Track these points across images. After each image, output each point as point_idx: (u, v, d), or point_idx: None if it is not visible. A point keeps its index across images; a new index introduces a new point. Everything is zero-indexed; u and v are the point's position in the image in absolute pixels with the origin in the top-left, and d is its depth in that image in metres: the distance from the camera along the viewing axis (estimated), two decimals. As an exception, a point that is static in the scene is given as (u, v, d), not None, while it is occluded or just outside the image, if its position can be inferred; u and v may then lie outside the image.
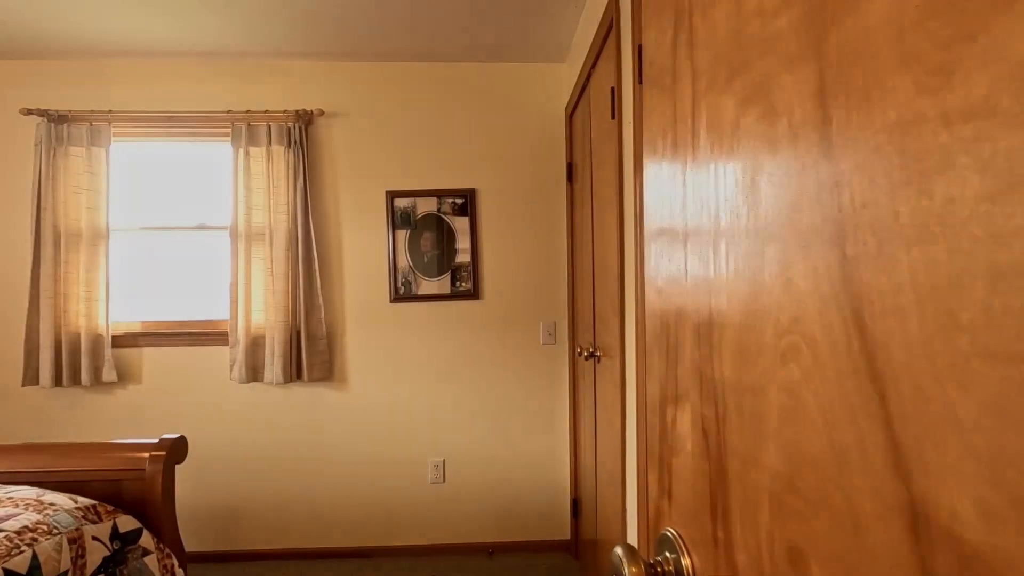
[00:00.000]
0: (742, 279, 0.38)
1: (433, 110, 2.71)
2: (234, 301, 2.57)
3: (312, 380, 2.59)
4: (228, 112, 2.59)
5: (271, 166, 2.57)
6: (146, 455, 1.54)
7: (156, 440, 1.57)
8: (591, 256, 2.18)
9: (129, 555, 1.40)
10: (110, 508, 1.42)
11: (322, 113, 2.66)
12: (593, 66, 2.04)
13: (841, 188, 0.29)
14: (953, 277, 0.23)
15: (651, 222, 0.57)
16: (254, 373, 2.58)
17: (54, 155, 2.51)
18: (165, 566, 1.47)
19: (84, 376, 2.51)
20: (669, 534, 0.51)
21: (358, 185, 2.70)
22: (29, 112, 2.50)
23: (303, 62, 2.67)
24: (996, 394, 0.21)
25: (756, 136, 0.36)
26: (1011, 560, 0.20)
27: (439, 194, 2.70)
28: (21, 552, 1.15)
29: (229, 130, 2.63)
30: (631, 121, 1.52)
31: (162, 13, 2.19)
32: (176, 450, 1.58)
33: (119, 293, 2.66)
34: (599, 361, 2.05)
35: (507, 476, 2.73)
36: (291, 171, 2.58)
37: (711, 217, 0.43)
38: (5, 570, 1.09)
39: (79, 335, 2.53)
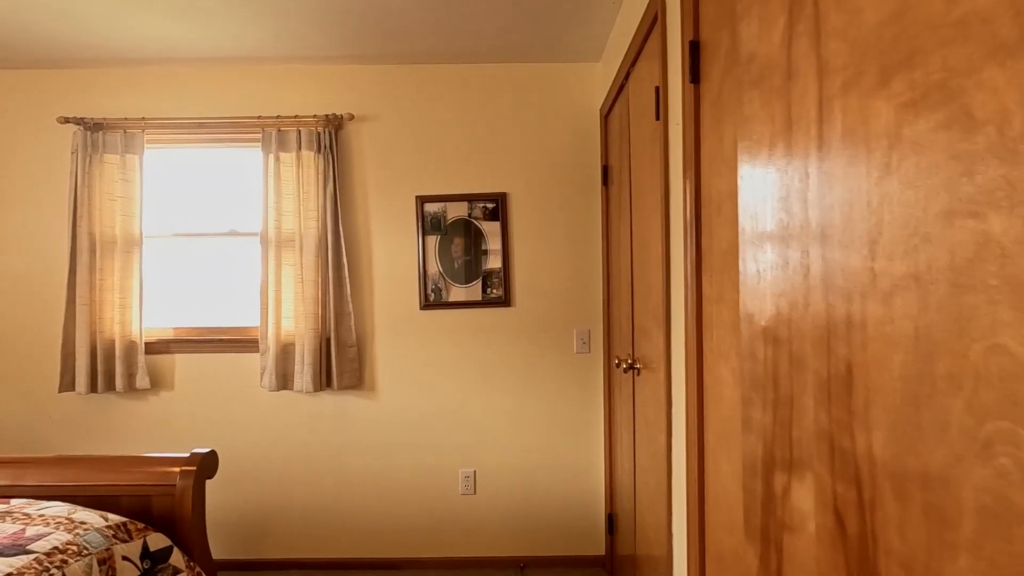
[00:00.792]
0: (915, 334, 0.29)
1: (464, 112, 2.65)
2: (264, 308, 2.55)
3: (342, 388, 2.56)
4: (258, 118, 2.57)
5: (301, 172, 2.55)
6: (177, 470, 1.51)
7: (187, 455, 1.54)
8: (629, 263, 2.08)
9: (159, 574, 1.36)
10: (141, 526, 1.39)
11: (352, 117, 2.62)
12: (632, 65, 1.95)
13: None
14: None
15: (749, 239, 0.49)
16: (284, 381, 2.56)
17: (90, 162, 2.53)
18: (195, 585, 1.43)
19: (118, 382, 2.52)
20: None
21: (388, 190, 2.65)
22: (66, 120, 2.53)
23: (333, 66, 2.63)
24: None
25: (936, 150, 0.28)
26: None
27: (470, 198, 2.64)
28: None
29: (259, 136, 2.61)
30: (679, 122, 1.42)
31: (194, 20, 2.18)
32: (207, 465, 1.55)
33: (152, 299, 2.67)
34: (638, 374, 1.95)
35: (539, 488, 2.65)
36: (321, 176, 2.55)
37: (858, 246, 0.34)
38: (34, 595, 1.06)
39: (113, 341, 2.54)
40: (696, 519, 1.28)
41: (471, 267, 2.64)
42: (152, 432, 2.63)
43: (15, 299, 2.62)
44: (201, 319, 2.70)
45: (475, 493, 2.65)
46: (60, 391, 2.50)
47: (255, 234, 2.68)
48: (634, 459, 2.05)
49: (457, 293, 2.64)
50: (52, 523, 1.26)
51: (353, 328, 2.57)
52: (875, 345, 0.33)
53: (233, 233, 2.72)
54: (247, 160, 2.71)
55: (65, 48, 2.41)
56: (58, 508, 1.33)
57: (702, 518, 1.28)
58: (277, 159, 2.55)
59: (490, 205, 2.64)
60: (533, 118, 2.66)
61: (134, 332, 2.55)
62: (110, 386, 2.54)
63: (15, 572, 1.06)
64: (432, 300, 2.64)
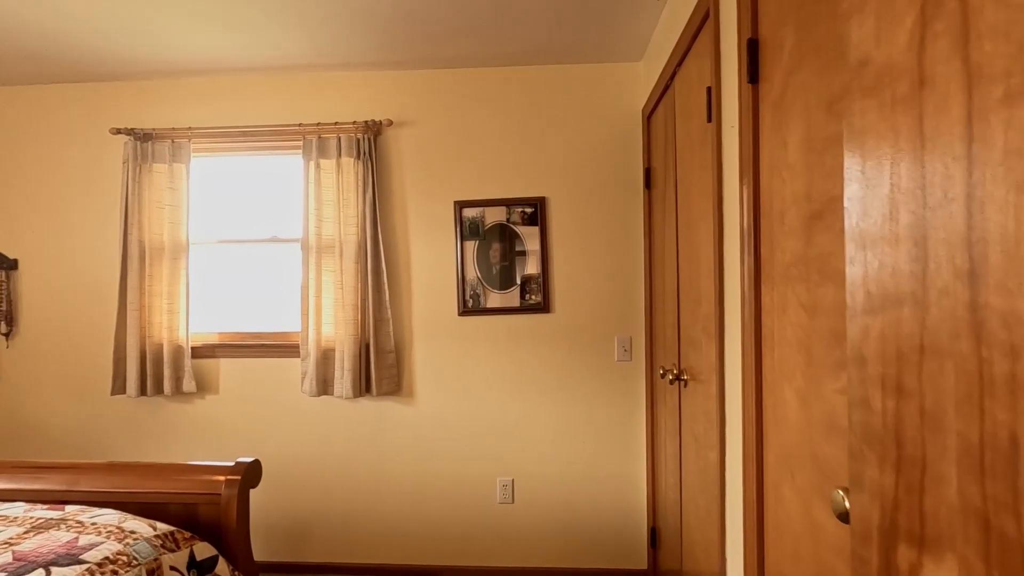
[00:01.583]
0: None
1: (502, 116, 2.62)
2: (305, 314, 2.57)
3: (380, 394, 2.55)
4: (299, 125, 2.59)
5: (341, 178, 2.56)
6: (222, 479, 1.51)
7: (231, 464, 1.55)
8: (675, 269, 2.01)
9: (205, 584, 1.37)
10: (187, 535, 1.40)
11: (390, 123, 2.62)
12: (679, 64, 1.87)
13: None
14: None
15: (862, 271, 0.43)
16: (324, 386, 2.57)
17: (139, 172, 2.60)
18: (240, 595, 1.43)
19: (166, 386, 2.58)
20: None
21: (426, 195, 2.64)
22: (118, 131, 2.60)
23: (372, 72, 2.64)
24: None
25: None
26: None
27: (508, 203, 2.60)
28: (102, 585, 1.13)
29: (300, 143, 2.63)
30: (734, 125, 1.35)
31: (239, 32, 2.20)
32: (251, 474, 1.55)
33: (198, 305, 2.73)
34: (685, 385, 1.88)
35: (579, 499, 2.59)
36: (360, 183, 2.55)
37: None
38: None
39: (162, 346, 2.60)
40: (755, 545, 1.21)
41: (509, 273, 2.60)
42: (198, 434, 2.68)
43: (72, 305, 2.72)
44: (244, 324, 2.75)
45: (513, 502, 2.61)
46: (112, 394, 2.57)
47: (296, 240, 2.71)
48: (680, 473, 1.98)
49: (495, 299, 2.60)
50: (104, 532, 1.27)
51: (392, 334, 2.57)
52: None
53: (275, 239, 2.75)
54: (289, 167, 2.74)
55: (117, 62, 2.48)
56: (109, 516, 1.35)
57: (761, 544, 1.20)
58: (318, 166, 2.57)
59: (529, 210, 2.60)
60: (572, 120, 2.60)
61: (181, 337, 2.61)
62: (159, 389, 2.61)
63: (68, 583, 1.07)
64: (470, 306, 2.61)
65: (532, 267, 2.59)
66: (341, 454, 2.65)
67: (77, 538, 1.24)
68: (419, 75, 2.63)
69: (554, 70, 2.60)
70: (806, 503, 0.99)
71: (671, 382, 1.94)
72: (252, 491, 2.65)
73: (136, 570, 1.20)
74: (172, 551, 1.33)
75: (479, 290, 2.61)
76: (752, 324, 1.21)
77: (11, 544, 1.20)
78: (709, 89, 1.51)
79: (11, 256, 2.73)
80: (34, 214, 2.73)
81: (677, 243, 1.97)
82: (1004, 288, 0.29)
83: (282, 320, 2.74)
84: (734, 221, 1.35)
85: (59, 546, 1.20)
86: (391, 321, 2.57)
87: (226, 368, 2.69)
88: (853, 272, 0.43)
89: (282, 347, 2.67)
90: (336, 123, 2.58)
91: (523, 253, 2.59)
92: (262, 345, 2.68)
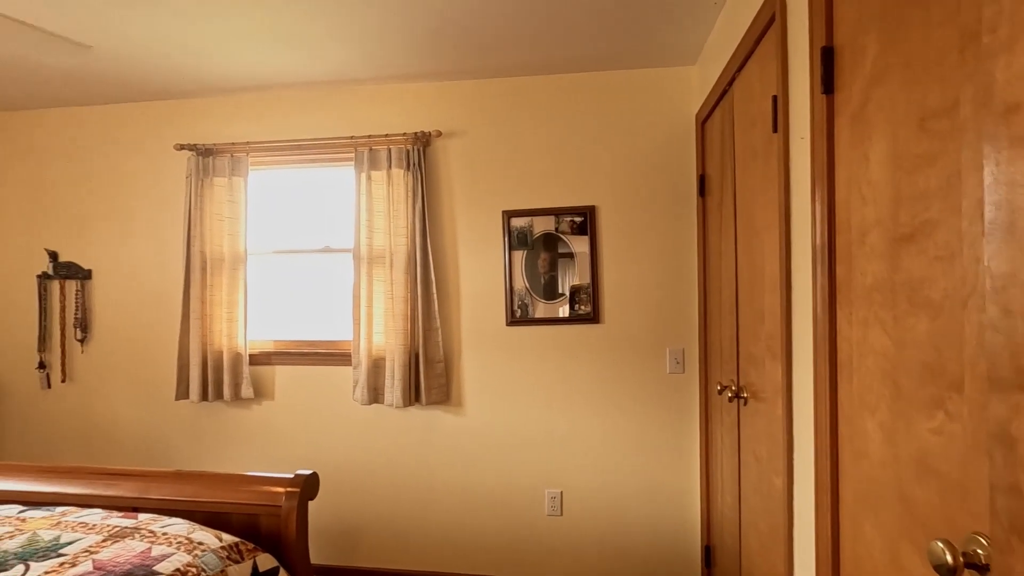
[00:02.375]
0: None
1: (551, 124, 2.59)
2: (356, 323, 2.61)
3: (430, 403, 2.57)
4: (351, 138, 2.64)
5: (391, 189, 2.59)
6: (282, 491, 1.55)
7: (291, 476, 1.58)
8: (733, 282, 1.93)
9: (267, 595, 1.40)
10: (251, 546, 1.44)
11: (439, 134, 2.63)
12: (739, 70, 1.80)
13: None
14: None
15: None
16: (375, 394, 2.61)
17: (201, 185, 2.71)
18: (299, 606, 1.46)
19: (226, 392, 2.67)
20: None
21: (474, 205, 2.64)
22: (181, 147, 2.72)
23: (421, 84, 2.66)
24: None
25: None
26: None
27: (557, 212, 2.57)
28: (173, 596, 1.17)
29: (352, 155, 2.68)
30: (804, 136, 1.28)
31: (294, 49, 2.26)
32: (309, 487, 1.58)
33: (254, 313, 2.82)
34: (745, 404, 1.80)
35: (629, 513, 2.53)
36: (410, 194, 2.58)
37: None
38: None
39: (222, 353, 2.70)
40: (828, 582, 1.14)
41: (558, 283, 2.57)
42: (255, 439, 2.77)
43: (140, 313, 2.86)
44: (299, 332, 2.82)
45: (561, 514, 2.58)
46: (176, 399, 2.69)
47: (348, 250, 2.76)
48: (739, 493, 1.90)
49: (544, 309, 2.58)
50: (174, 543, 1.32)
51: (441, 344, 2.58)
52: None
53: (327, 249, 2.81)
54: (341, 178, 2.80)
55: (182, 81, 2.59)
56: (179, 527, 1.40)
57: (835, 581, 1.13)
58: (369, 177, 2.61)
59: (578, 219, 2.56)
60: (623, 127, 2.55)
61: (240, 344, 2.70)
62: (219, 395, 2.71)
63: (144, 595, 1.11)
64: (518, 316, 2.59)
65: (581, 277, 2.56)
66: (391, 462, 2.68)
67: (150, 548, 1.29)
68: (467, 85, 2.64)
69: (604, 76, 2.56)
70: (892, 545, 0.92)
71: (730, 399, 1.87)
72: (306, 495, 2.71)
73: (204, 582, 1.24)
74: (237, 562, 1.36)
75: (527, 300, 2.59)
76: (826, 348, 1.14)
77: (91, 552, 1.26)
78: (775, 98, 1.44)
79: (86, 267, 2.90)
80: (106, 227, 2.89)
81: (736, 254, 1.90)
82: None
83: (334, 329, 2.79)
84: (804, 237, 1.29)
85: (134, 556, 1.25)
86: (440, 331, 2.59)
87: (281, 375, 2.77)
88: (995, 342, 0.39)
89: (334, 355, 2.72)
90: (387, 135, 2.61)
91: (572, 263, 2.56)
92: (315, 353, 2.74)
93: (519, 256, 2.60)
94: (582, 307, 2.56)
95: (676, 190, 2.52)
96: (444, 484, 2.65)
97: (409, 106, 2.68)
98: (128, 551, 1.27)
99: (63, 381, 2.91)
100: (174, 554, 1.27)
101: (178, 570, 1.22)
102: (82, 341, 2.89)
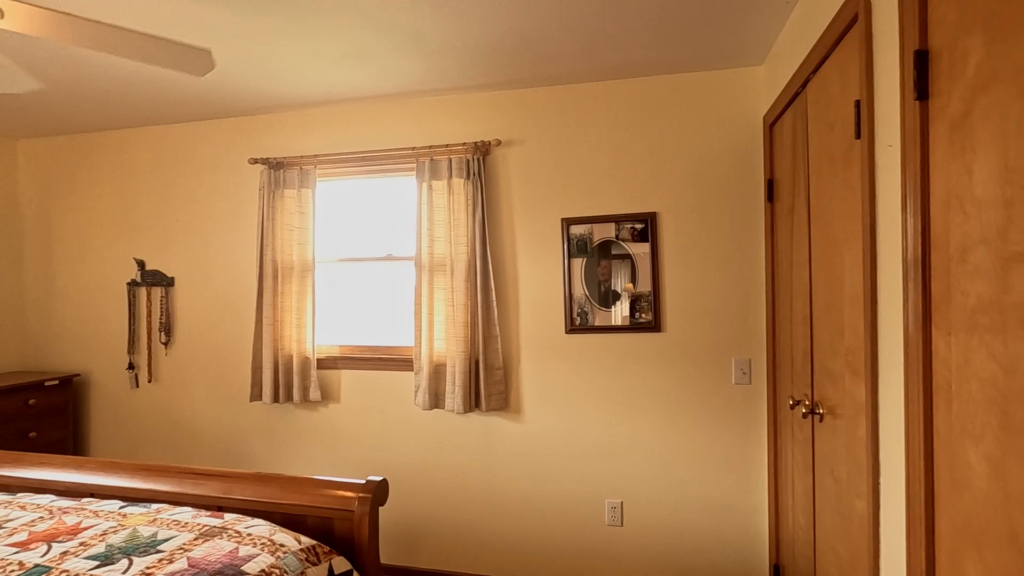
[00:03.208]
0: None
1: (610, 130, 2.57)
2: (418, 329, 2.67)
3: (489, 410, 2.60)
4: (413, 148, 2.70)
5: (452, 199, 2.63)
6: (355, 496, 1.60)
7: (363, 482, 1.64)
8: (807, 293, 1.85)
9: (342, 597, 1.45)
10: (326, 549, 1.50)
11: (499, 143, 2.66)
12: (814, 71, 1.72)
13: None
14: None
15: None
16: (436, 400, 2.66)
17: (273, 197, 2.84)
18: (372, 609, 1.51)
19: (295, 394, 2.80)
20: None
21: (533, 213, 2.65)
22: (255, 161, 2.86)
23: (480, 94, 2.69)
24: None
25: None
26: None
27: (617, 219, 2.54)
28: (260, 596, 1.23)
29: (414, 165, 2.75)
30: (892, 144, 1.21)
31: (359, 66, 2.33)
32: (380, 493, 1.63)
33: (321, 319, 2.93)
34: (821, 420, 1.72)
35: (693, 526, 2.47)
36: (470, 203, 2.61)
37: None
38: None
39: (291, 357, 2.82)
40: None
41: (619, 290, 2.54)
42: (322, 440, 2.88)
43: (217, 318, 3.03)
44: (363, 338, 2.91)
45: (622, 525, 2.55)
46: (251, 400, 2.83)
47: (410, 258, 2.83)
48: (813, 514, 1.82)
49: (604, 317, 2.56)
50: (258, 544, 1.39)
51: (500, 351, 2.61)
52: None
53: (390, 257, 2.89)
54: (403, 188, 2.87)
55: (255, 98, 2.72)
56: (262, 528, 1.48)
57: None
58: (430, 187, 2.66)
59: (638, 225, 2.53)
60: (685, 131, 2.49)
61: (308, 349, 2.81)
62: (289, 397, 2.83)
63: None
64: (578, 324, 2.58)
65: (642, 285, 2.52)
66: (451, 466, 2.73)
67: (237, 548, 1.37)
68: (526, 93, 2.65)
69: (665, 80, 2.51)
70: (1001, 587, 0.86)
71: (804, 416, 1.79)
72: (369, 496, 2.80)
73: (286, 583, 1.30)
74: (314, 564, 1.42)
75: (587, 308, 2.58)
76: (920, 370, 1.08)
77: (185, 550, 1.35)
78: (857, 103, 1.37)
79: (169, 274, 3.10)
80: (187, 237, 3.08)
81: (810, 264, 1.82)
82: None
83: (397, 335, 2.87)
84: (893, 251, 1.22)
85: (223, 555, 1.33)
86: (499, 338, 2.61)
87: (347, 379, 2.86)
88: None
89: (397, 361, 2.80)
90: (447, 145, 2.66)
91: (633, 270, 2.53)
92: (378, 358, 2.82)
93: (578, 264, 2.59)
94: (643, 315, 2.52)
95: (741, 195, 2.44)
96: (503, 490, 2.67)
97: (469, 116, 2.72)
98: (218, 550, 1.35)
99: (149, 381, 3.12)
100: (259, 555, 1.34)
101: (263, 571, 1.29)
102: (166, 344, 3.09)
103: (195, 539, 1.41)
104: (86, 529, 1.47)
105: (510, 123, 2.68)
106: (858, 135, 1.38)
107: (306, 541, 1.47)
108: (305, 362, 2.82)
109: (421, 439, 2.77)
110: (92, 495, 1.81)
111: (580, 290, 2.58)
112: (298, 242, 2.82)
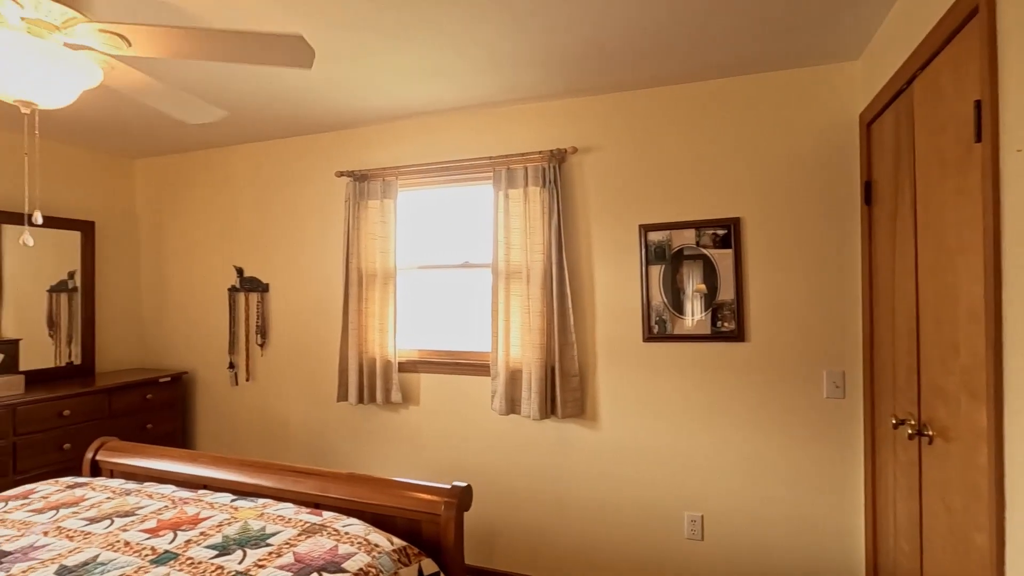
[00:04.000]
0: None
1: (690, 133, 2.50)
2: (495, 335, 2.72)
3: (565, 417, 2.61)
4: (489, 158, 2.75)
5: (528, 207, 2.66)
6: (440, 501, 1.65)
7: (449, 487, 1.69)
8: (913, 305, 1.72)
9: (430, 598, 1.51)
10: (416, 551, 1.56)
11: (575, 150, 2.66)
12: (922, 67, 1.60)
13: None
14: None
15: None
16: (512, 405, 2.70)
17: (358, 208, 2.99)
18: (458, 612, 1.56)
19: (378, 396, 2.93)
20: None
21: (610, 220, 2.63)
22: (341, 174, 3.02)
23: (555, 102, 2.70)
24: None
25: None
26: None
27: (697, 225, 2.48)
28: (359, 594, 1.31)
29: (491, 174, 2.80)
30: (1022, 149, 1.11)
31: (439, 80, 2.41)
32: (465, 498, 1.68)
33: (402, 324, 3.05)
34: (930, 443, 1.60)
35: (780, 545, 2.37)
36: (546, 210, 2.63)
37: None
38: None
39: (375, 361, 2.96)
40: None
41: (698, 298, 2.47)
42: (403, 441, 3.00)
43: (308, 322, 3.23)
44: (441, 343, 3.00)
45: (702, 540, 2.48)
46: (338, 400, 3.00)
47: (486, 266, 2.88)
48: (920, 543, 1.69)
49: (683, 326, 2.50)
50: (355, 543, 1.48)
51: (576, 358, 2.61)
52: None
53: (467, 265, 2.96)
54: (480, 196, 2.93)
55: (343, 115, 2.88)
56: (357, 527, 1.57)
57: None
58: (506, 196, 2.70)
59: (721, 231, 2.45)
60: (771, 131, 2.39)
61: (390, 353, 2.93)
62: (372, 398, 2.97)
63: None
64: (656, 332, 2.54)
65: (725, 293, 2.44)
66: (527, 471, 2.76)
67: (336, 547, 1.45)
68: (602, 99, 2.63)
69: (751, 79, 2.42)
70: None
71: (910, 436, 1.67)
72: (447, 497, 2.88)
73: (382, 582, 1.37)
74: (405, 565, 1.49)
75: (665, 316, 2.52)
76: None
77: (291, 545, 1.46)
78: (978, 103, 1.26)
79: (264, 281, 3.33)
80: (280, 246, 3.30)
81: (916, 274, 1.69)
82: None
83: (473, 340, 2.93)
84: (1020, 266, 1.11)
85: (325, 552, 1.42)
86: (575, 345, 2.61)
87: (426, 382, 2.96)
88: None
89: (473, 366, 2.86)
90: (523, 153, 2.69)
91: (714, 278, 2.45)
92: (456, 363, 2.90)
93: (656, 271, 2.54)
94: (725, 324, 2.44)
95: (833, 198, 2.31)
96: (578, 497, 2.67)
97: (544, 124, 2.73)
98: (320, 547, 1.44)
99: (247, 379, 3.37)
100: (356, 554, 1.42)
101: (361, 569, 1.36)
102: (262, 346, 3.33)
103: (298, 535, 1.51)
104: (204, 520, 1.61)
105: (586, 130, 2.67)
106: (978, 138, 1.27)
107: (397, 542, 1.54)
108: (387, 365, 2.94)
109: (497, 443, 2.82)
110: (205, 487, 1.98)
111: (658, 298, 2.54)
112: (381, 250, 2.95)
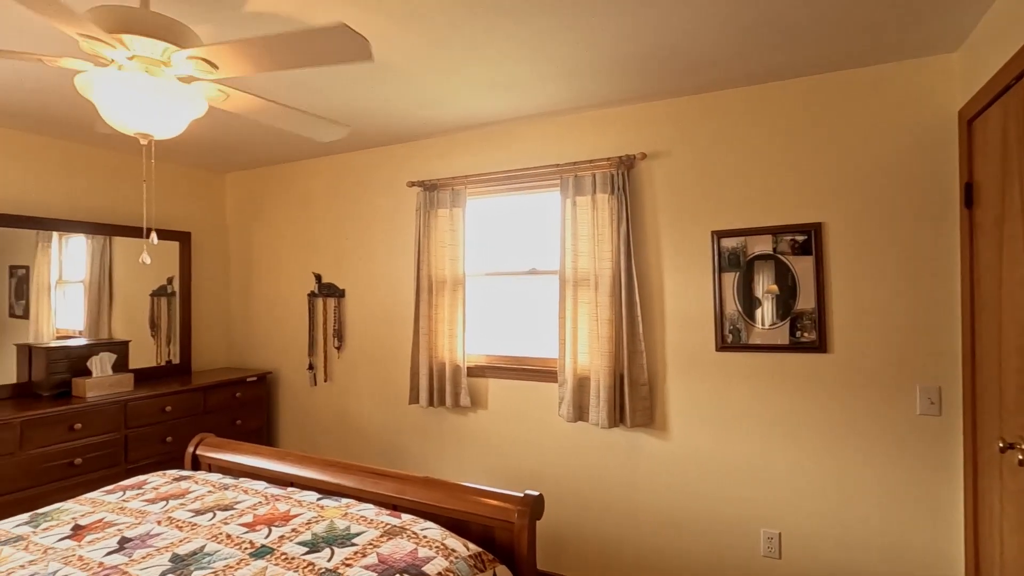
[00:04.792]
0: None
1: (766, 136, 2.41)
2: (562, 342, 2.73)
3: (634, 425, 2.58)
4: (556, 166, 2.76)
5: (596, 214, 2.65)
6: (514, 508, 1.69)
7: (521, 495, 1.72)
8: (1022, 317, 1.58)
9: (505, 604, 1.54)
10: (490, 557, 1.60)
11: (644, 156, 2.62)
12: (1035, 61, 1.47)
13: None
14: None
15: None
16: (580, 412, 2.70)
17: (428, 217, 3.08)
18: (532, 619, 1.58)
19: (447, 399, 3.01)
20: None
21: (680, 226, 2.57)
22: (412, 184, 3.12)
23: (623, 108, 2.68)
24: None
25: None
26: None
27: (775, 231, 2.38)
28: (439, 598, 1.36)
29: (558, 182, 2.81)
30: None
31: (506, 91, 2.45)
32: (537, 508, 1.70)
33: (471, 330, 3.12)
34: (1045, 470, 1.47)
35: (865, 569, 2.24)
36: (614, 218, 2.61)
37: None
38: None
39: (444, 365, 3.04)
40: None
41: (775, 307, 2.38)
42: (471, 444, 3.06)
43: (381, 327, 3.36)
44: (509, 348, 3.05)
45: (780, 558, 2.38)
46: (409, 403, 3.10)
47: (553, 272, 2.90)
48: (1031, 577, 1.55)
49: (759, 335, 2.41)
50: (433, 547, 1.53)
51: (645, 366, 2.57)
52: None
53: (533, 272, 2.99)
54: (547, 204, 2.95)
55: (414, 127, 2.98)
56: (434, 531, 1.62)
57: None
58: (574, 203, 2.71)
59: (800, 237, 2.34)
60: (857, 131, 2.26)
61: (459, 358, 3.01)
62: (442, 402, 3.05)
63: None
64: (730, 341, 2.46)
65: (805, 301, 2.33)
66: (595, 478, 2.75)
67: (416, 550, 1.52)
68: (671, 104, 2.58)
69: (833, 77, 2.30)
70: None
71: (1021, 462, 1.54)
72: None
73: (460, 587, 1.41)
74: (480, 571, 1.53)
75: (740, 325, 2.44)
76: None
77: (375, 546, 1.53)
78: (1105, 102, 1.14)
79: (341, 287, 3.50)
80: (355, 253, 3.45)
81: (1028, 286, 1.56)
82: None
83: (541, 346, 2.96)
84: None
85: (406, 555, 1.49)
86: (644, 353, 2.58)
87: (493, 387, 3.01)
88: None
89: (541, 372, 2.88)
90: (590, 160, 2.68)
91: (794, 285, 2.35)
92: (523, 369, 2.93)
93: (730, 278, 2.46)
94: (805, 334, 2.33)
95: (927, 201, 2.15)
96: (648, 507, 2.63)
97: (612, 131, 2.71)
98: (401, 549, 1.51)
99: (325, 380, 3.55)
100: (435, 557, 1.47)
101: (439, 574, 1.41)
102: (338, 348, 3.49)
103: (380, 536, 1.59)
104: (294, 517, 1.72)
105: (655, 135, 2.63)
106: (1106, 141, 1.15)
107: (472, 548, 1.59)
108: (456, 370, 3.01)
109: (564, 450, 2.82)
110: (292, 484, 2.12)
111: (732, 306, 2.46)
112: (450, 258, 3.03)
